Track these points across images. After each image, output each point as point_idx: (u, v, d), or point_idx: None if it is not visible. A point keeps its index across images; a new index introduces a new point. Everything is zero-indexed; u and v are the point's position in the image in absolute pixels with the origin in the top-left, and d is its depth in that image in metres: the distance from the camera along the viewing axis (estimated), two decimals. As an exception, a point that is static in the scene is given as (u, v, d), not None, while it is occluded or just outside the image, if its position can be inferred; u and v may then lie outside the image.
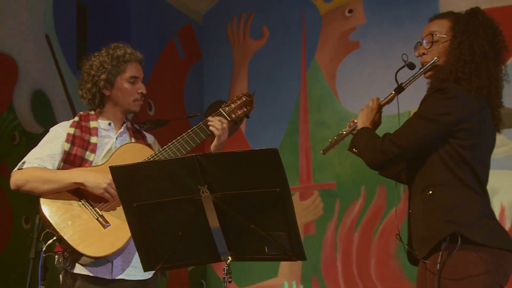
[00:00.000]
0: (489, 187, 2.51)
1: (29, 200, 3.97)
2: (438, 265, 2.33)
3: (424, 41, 2.60)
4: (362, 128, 2.65)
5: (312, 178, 5.36)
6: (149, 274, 2.79)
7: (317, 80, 5.47)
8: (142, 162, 2.59)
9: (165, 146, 2.81)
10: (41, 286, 2.56)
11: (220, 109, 2.90)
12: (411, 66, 2.66)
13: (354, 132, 2.72)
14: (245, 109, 2.96)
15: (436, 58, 2.55)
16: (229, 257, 2.20)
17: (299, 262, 5.16)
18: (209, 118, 2.86)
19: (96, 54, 2.89)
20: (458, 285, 2.31)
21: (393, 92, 2.67)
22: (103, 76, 2.82)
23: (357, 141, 2.62)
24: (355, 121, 2.74)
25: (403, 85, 2.64)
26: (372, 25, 5.27)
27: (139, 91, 2.87)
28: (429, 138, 2.45)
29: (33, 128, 4.19)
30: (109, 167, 2.19)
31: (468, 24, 2.51)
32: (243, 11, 5.92)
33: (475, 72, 2.45)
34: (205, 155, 2.09)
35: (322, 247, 5.21)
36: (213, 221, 2.15)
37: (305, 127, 5.46)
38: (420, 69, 2.61)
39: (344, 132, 2.76)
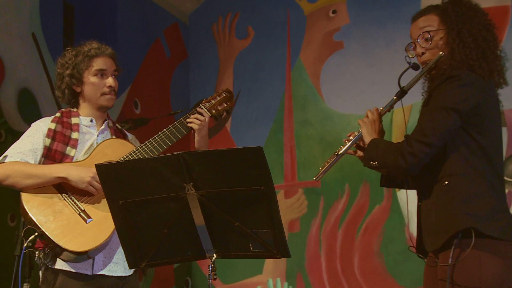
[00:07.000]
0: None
1: (14, 198, 3.97)
2: (449, 267, 2.27)
3: (419, 40, 2.53)
4: (372, 140, 2.54)
5: (297, 176, 5.37)
6: (130, 271, 2.79)
7: (302, 80, 5.49)
8: (127, 160, 2.60)
9: (146, 142, 2.80)
10: (26, 284, 2.53)
11: (200, 104, 2.92)
12: (416, 67, 2.57)
13: (352, 149, 2.63)
14: (225, 105, 2.99)
15: (441, 53, 2.48)
16: (214, 254, 2.22)
17: (283, 259, 5.17)
18: (188, 114, 2.88)
19: (63, 53, 2.91)
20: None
21: (395, 97, 2.59)
22: (67, 72, 2.83)
23: (373, 154, 2.51)
24: (351, 138, 2.64)
25: (405, 88, 2.56)
26: (356, 25, 5.28)
27: (107, 84, 2.85)
28: (454, 128, 2.36)
29: (19, 126, 4.18)
30: (95, 165, 2.20)
31: (457, 13, 2.47)
32: (229, 11, 5.93)
33: (482, 57, 2.42)
34: (190, 153, 2.09)
35: (307, 244, 5.22)
36: (198, 218, 2.17)
37: (290, 126, 5.48)
38: (423, 68, 2.54)
39: (340, 152, 2.62)
